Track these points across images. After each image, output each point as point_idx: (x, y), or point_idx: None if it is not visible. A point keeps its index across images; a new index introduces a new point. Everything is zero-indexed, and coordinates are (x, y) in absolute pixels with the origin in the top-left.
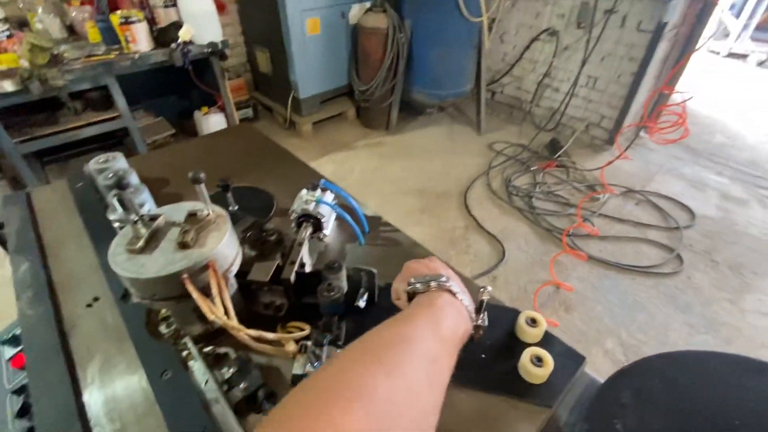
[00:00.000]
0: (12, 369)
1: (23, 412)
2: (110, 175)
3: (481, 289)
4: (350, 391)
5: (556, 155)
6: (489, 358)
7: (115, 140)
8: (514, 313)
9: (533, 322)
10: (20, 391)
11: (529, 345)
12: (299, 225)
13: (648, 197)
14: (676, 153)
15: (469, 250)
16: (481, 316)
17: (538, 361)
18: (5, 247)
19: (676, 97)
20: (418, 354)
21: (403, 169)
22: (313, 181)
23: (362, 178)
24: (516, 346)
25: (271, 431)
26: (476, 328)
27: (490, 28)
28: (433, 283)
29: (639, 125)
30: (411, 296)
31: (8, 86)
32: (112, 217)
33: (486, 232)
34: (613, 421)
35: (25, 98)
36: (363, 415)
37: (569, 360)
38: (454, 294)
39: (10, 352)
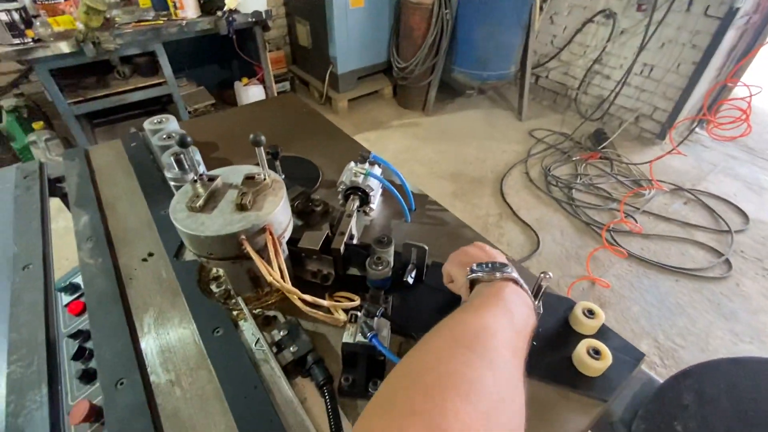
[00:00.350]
0: (69, 315)
1: (78, 355)
2: (164, 135)
3: (541, 275)
4: (463, 384)
5: (601, 146)
6: (540, 346)
7: (159, 107)
8: (569, 303)
9: (591, 313)
10: (76, 335)
11: (585, 336)
12: (346, 197)
13: (698, 197)
14: (733, 152)
15: (501, 238)
16: (538, 302)
17: (595, 353)
18: (63, 200)
19: (738, 92)
20: (504, 345)
21: (437, 152)
22: (363, 153)
23: (395, 159)
24: (570, 336)
25: (395, 419)
26: None
27: (541, 8)
28: (497, 274)
29: (696, 118)
30: (471, 284)
31: (65, 47)
32: (168, 175)
33: (521, 221)
34: (673, 422)
35: (79, 60)
36: (481, 410)
37: (627, 355)
38: (519, 284)
39: (67, 299)
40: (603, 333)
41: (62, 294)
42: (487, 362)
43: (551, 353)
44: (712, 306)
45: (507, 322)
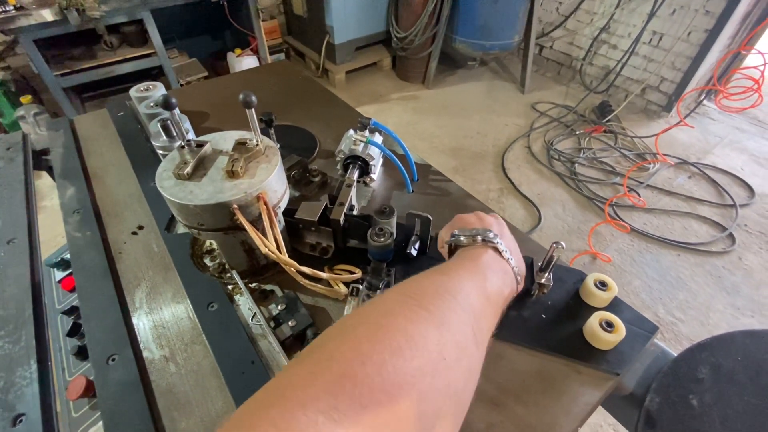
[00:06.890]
0: (62, 291)
1: (73, 331)
2: (152, 103)
3: (553, 244)
4: (400, 337)
5: (605, 119)
6: (550, 319)
7: (150, 79)
8: (580, 275)
9: (603, 285)
10: (70, 312)
11: (596, 309)
12: (345, 167)
13: (703, 170)
14: (741, 124)
15: (502, 213)
16: (547, 274)
17: (608, 326)
18: (50, 173)
19: (751, 60)
20: (464, 308)
21: (438, 126)
22: (362, 119)
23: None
24: (580, 308)
25: (312, 364)
26: (540, 285)
27: None
28: (478, 238)
29: (705, 89)
30: (453, 249)
31: (48, 15)
32: (156, 144)
33: (522, 196)
34: (689, 395)
35: (63, 29)
36: (414, 366)
37: (640, 328)
38: (500, 252)
39: (59, 275)
40: (615, 305)
41: (55, 270)
42: (436, 321)
43: (561, 326)
44: (714, 280)
45: (475, 285)
